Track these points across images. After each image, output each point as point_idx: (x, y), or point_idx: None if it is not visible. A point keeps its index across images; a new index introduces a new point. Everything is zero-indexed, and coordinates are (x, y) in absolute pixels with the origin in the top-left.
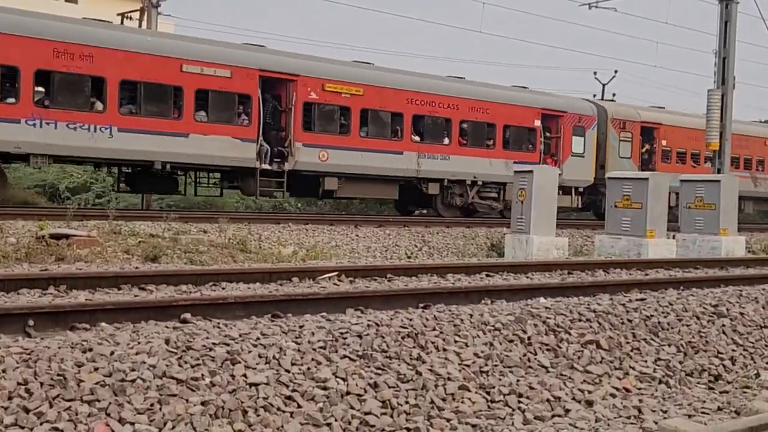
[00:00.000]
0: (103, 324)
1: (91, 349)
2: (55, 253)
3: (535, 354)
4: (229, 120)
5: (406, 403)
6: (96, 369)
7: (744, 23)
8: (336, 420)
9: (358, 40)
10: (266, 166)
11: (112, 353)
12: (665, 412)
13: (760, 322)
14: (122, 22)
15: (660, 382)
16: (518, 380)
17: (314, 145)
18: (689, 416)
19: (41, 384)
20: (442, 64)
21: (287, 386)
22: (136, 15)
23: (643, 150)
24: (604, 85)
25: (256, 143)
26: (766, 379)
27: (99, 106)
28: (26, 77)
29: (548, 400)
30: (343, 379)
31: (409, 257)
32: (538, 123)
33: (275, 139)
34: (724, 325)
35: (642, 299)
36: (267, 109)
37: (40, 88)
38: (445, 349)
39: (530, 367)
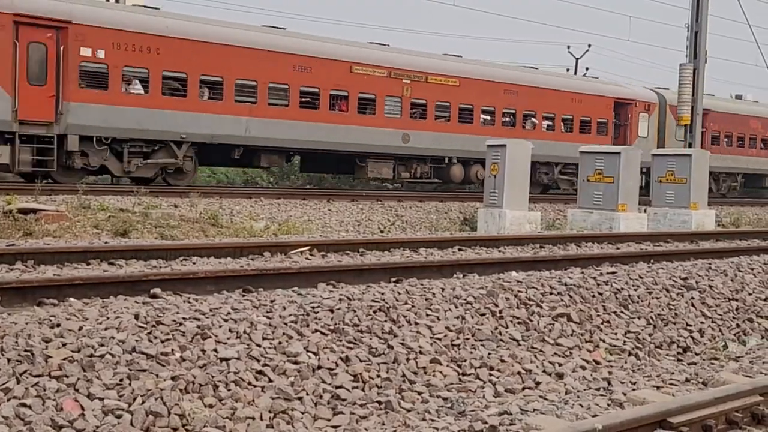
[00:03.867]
0: (72, 299)
1: (59, 325)
2: (22, 228)
3: (507, 327)
4: None
5: (378, 376)
6: (64, 344)
7: None
8: (307, 394)
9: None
10: None
11: (80, 329)
12: (634, 383)
13: (728, 294)
14: None
15: (629, 354)
16: (489, 353)
17: None
18: (657, 387)
19: (8, 360)
20: (415, 37)
21: (258, 361)
22: None
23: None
24: (577, 59)
25: None
26: (734, 351)
27: None
28: None
29: (519, 373)
30: (315, 354)
31: (381, 231)
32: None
33: None
34: (693, 298)
35: (613, 272)
36: None
37: None
38: (416, 323)
39: (501, 340)
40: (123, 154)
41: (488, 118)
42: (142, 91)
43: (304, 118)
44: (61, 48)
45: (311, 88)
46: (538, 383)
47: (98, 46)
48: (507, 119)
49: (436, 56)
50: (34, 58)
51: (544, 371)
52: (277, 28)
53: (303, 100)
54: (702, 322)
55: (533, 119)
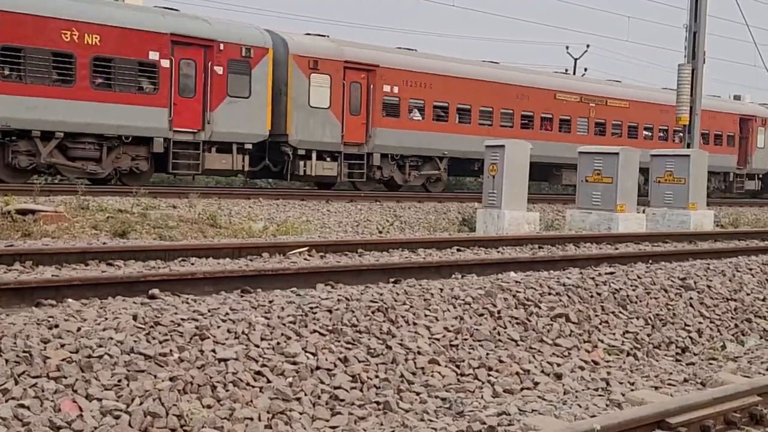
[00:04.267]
0: (70, 300)
1: (57, 326)
2: (21, 228)
3: (505, 327)
4: None
5: (376, 377)
6: (62, 345)
7: None
8: (306, 395)
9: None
10: None
11: (78, 329)
12: (632, 383)
13: (726, 294)
14: None
15: (628, 354)
16: (488, 354)
17: None
18: (656, 388)
19: (6, 361)
20: (415, 37)
21: (256, 361)
22: None
23: None
24: (576, 60)
25: None
26: (732, 351)
27: None
28: None
29: (517, 373)
30: (313, 354)
31: (380, 232)
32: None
33: None
34: (691, 298)
35: (611, 273)
36: None
37: None
38: (415, 324)
39: (500, 340)
40: (405, 167)
41: (649, 133)
42: (420, 118)
43: (522, 137)
44: (371, 86)
45: (528, 112)
46: (536, 383)
47: (394, 84)
48: (661, 135)
49: (612, 83)
50: (354, 94)
51: (542, 371)
52: (493, 62)
53: (522, 122)
54: (700, 323)
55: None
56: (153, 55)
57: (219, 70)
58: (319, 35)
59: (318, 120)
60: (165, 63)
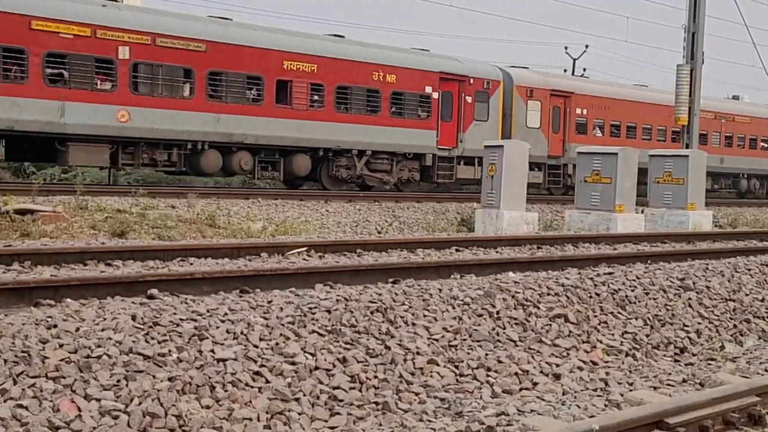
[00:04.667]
0: (69, 300)
1: (56, 326)
2: (19, 228)
3: (504, 328)
4: None
5: (375, 377)
6: (61, 345)
7: None
8: (304, 395)
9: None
10: None
11: (77, 329)
12: (631, 384)
13: (725, 295)
14: None
15: (627, 354)
16: (487, 354)
17: None
18: (655, 388)
19: (5, 361)
20: (414, 37)
21: (255, 362)
22: None
23: None
24: (574, 60)
25: None
26: (731, 351)
27: None
28: None
29: (516, 374)
30: (312, 354)
31: (379, 232)
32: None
33: None
34: (690, 299)
35: (610, 273)
36: None
37: None
38: (414, 324)
39: (499, 341)
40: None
41: (766, 145)
42: (601, 134)
43: (673, 148)
44: (567, 109)
45: (676, 128)
46: (535, 384)
47: (584, 107)
48: (766, 145)
49: (736, 102)
50: (555, 116)
51: (541, 372)
52: (643, 85)
53: (672, 137)
54: (699, 323)
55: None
56: (428, 89)
57: (468, 99)
58: (523, 67)
59: (532, 137)
60: (435, 95)
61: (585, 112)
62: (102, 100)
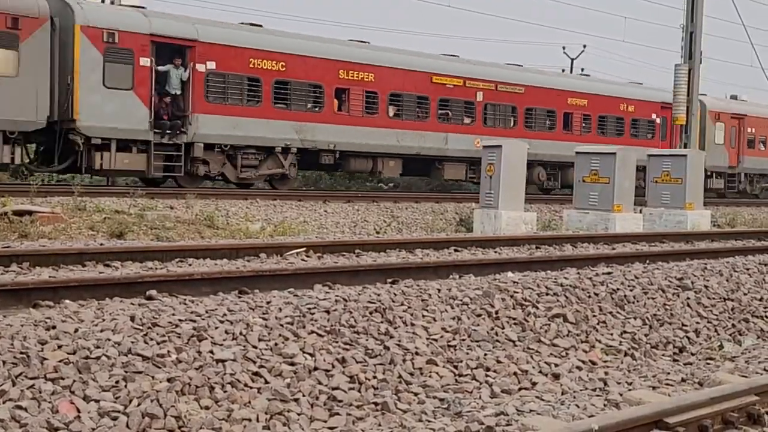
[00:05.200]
0: (67, 301)
1: (54, 327)
2: (18, 230)
3: (503, 328)
4: None
5: (374, 377)
6: (60, 347)
7: None
8: (303, 395)
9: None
10: None
11: (76, 330)
12: (630, 383)
13: (723, 294)
14: None
15: (625, 354)
16: (486, 354)
17: None
18: (653, 388)
19: (3, 362)
20: (413, 37)
21: (254, 362)
22: None
23: None
24: (572, 60)
25: None
26: (730, 351)
27: None
28: None
29: (515, 374)
30: (311, 355)
31: (377, 232)
32: None
33: None
34: (688, 298)
35: (608, 273)
36: None
37: None
38: (413, 324)
39: (498, 341)
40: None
41: None
42: (763, 148)
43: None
44: (741, 128)
45: (762, 137)
46: (534, 384)
47: (752, 126)
48: None
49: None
50: (731, 134)
51: (540, 372)
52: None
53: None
54: (698, 323)
55: None
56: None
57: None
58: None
59: (718, 151)
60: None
61: (753, 130)
62: None
